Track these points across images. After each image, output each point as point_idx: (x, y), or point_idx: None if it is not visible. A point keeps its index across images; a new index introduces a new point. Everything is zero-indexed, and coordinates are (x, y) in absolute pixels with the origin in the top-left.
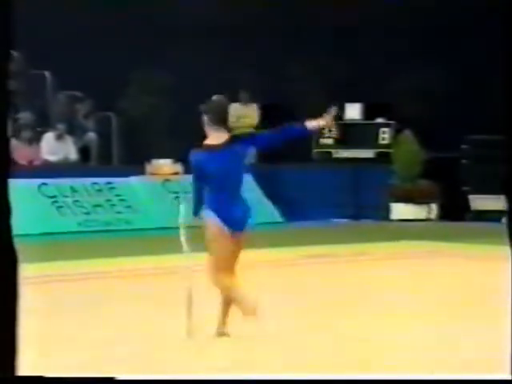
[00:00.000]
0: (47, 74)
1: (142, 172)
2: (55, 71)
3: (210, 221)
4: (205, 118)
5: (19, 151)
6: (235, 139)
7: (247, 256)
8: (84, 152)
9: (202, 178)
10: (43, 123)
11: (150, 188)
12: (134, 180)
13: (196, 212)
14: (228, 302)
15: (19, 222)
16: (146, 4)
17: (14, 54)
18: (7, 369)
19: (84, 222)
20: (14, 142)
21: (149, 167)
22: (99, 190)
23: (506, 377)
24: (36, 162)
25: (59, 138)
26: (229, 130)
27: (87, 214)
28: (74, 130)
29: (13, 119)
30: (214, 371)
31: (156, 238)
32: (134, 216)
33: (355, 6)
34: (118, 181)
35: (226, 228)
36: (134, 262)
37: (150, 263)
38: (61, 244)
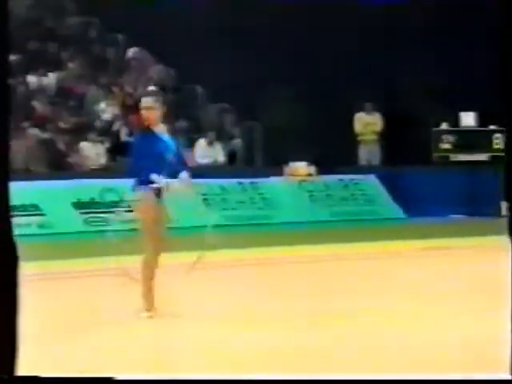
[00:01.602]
0: (199, 88)
1: (281, 173)
2: (206, 86)
3: (145, 194)
4: (157, 108)
5: None
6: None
7: (371, 247)
8: (231, 156)
9: (146, 156)
10: (196, 131)
11: (288, 187)
12: (274, 180)
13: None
14: (151, 278)
15: (174, 216)
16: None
17: (170, 71)
18: (7, 369)
19: (230, 217)
20: None
21: (287, 169)
22: (244, 189)
23: (506, 377)
24: (190, 164)
25: (210, 143)
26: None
27: (233, 209)
28: (222, 136)
29: (171, 127)
30: None
31: (293, 232)
32: (274, 212)
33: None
34: (260, 181)
35: (154, 199)
36: (268, 251)
37: (290, 252)
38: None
